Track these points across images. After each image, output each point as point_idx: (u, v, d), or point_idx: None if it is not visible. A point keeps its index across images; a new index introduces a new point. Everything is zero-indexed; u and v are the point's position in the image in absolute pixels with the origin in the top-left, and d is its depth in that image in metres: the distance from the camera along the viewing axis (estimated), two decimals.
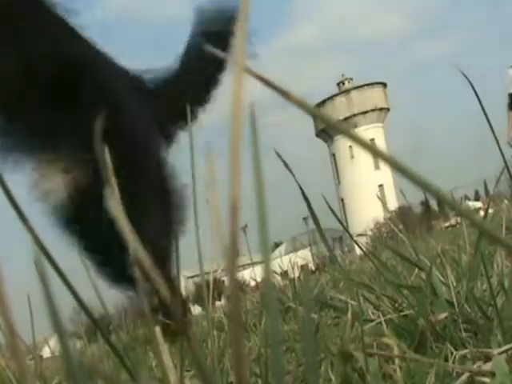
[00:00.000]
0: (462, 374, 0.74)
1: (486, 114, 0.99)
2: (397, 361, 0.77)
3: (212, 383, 0.33)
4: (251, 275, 4.54)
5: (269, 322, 0.33)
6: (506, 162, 1.03)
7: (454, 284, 1.06)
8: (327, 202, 1.12)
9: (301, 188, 0.85)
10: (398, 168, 0.27)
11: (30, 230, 0.41)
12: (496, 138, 1.00)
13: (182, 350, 0.58)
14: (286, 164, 0.83)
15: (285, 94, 0.29)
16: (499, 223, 1.58)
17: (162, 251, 1.59)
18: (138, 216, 1.44)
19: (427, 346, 0.95)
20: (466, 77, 1.01)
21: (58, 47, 1.49)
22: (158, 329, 0.47)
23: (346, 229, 1.30)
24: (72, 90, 1.49)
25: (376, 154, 0.27)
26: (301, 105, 0.29)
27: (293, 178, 0.86)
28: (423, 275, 1.16)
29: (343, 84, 53.67)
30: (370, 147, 0.27)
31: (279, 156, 0.83)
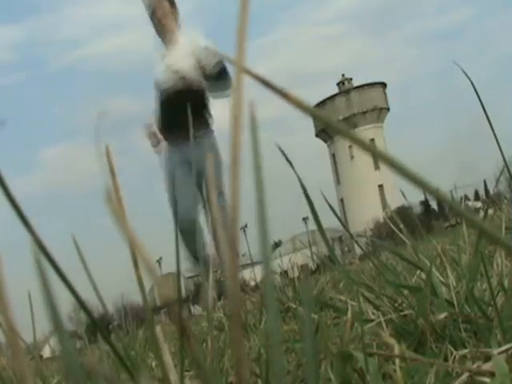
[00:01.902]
0: (462, 373, 0.74)
1: (486, 114, 0.99)
2: (397, 361, 0.77)
3: (212, 383, 0.33)
4: (251, 275, 4.54)
5: (269, 322, 0.33)
6: (506, 162, 1.03)
7: (454, 284, 1.06)
8: (327, 201, 1.12)
9: (303, 186, 0.85)
10: (397, 168, 0.27)
11: (30, 229, 0.41)
12: (496, 138, 1.00)
13: (181, 350, 0.58)
14: (288, 161, 0.83)
15: (284, 95, 0.29)
16: (499, 223, 1.58)
17: None
18: None
19: (427, 345, 0.95)
20: (469, 79, 1.01)
21: None
22: (158, 328, 0.47)
23: (347, 228, 1.30)
24: None
25: (375, 154, 0.27)
26: (300, 105, 0.29)
27: (293, 177, 0.86)
28: (423, 275, 1.16)
29: (343, 84, 53.68)
30: (369, 147, 0.27)
31: (282, 152, 0.82)
